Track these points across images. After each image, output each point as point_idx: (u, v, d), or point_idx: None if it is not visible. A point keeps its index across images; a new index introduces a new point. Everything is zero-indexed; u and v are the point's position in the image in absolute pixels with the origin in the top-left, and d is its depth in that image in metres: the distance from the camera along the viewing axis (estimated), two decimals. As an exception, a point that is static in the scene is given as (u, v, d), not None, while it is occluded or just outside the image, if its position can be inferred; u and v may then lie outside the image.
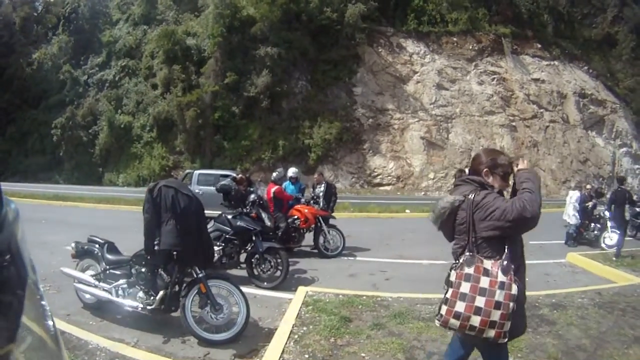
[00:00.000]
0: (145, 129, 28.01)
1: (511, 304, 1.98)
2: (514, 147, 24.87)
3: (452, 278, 2.12)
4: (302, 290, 4.89)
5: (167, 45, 26.15)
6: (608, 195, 9.94)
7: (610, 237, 9.11)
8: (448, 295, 2.11)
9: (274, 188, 7.21)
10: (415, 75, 25.06)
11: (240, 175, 7.22)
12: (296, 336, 3.61)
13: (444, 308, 2.11)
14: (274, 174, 7.62)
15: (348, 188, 22.57)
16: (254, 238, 5.44)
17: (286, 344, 3.45)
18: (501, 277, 2.00)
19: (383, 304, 4.47)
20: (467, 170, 2.37)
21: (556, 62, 28.96)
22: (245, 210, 5.80)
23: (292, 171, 8.27)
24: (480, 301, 1.99)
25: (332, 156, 23.36)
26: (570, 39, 31.26)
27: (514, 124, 25.59)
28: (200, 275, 3.67)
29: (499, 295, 1.98)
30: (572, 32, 32.07)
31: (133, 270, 3.96)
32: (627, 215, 7.72)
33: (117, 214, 13.42)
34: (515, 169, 2.26)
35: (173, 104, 25.00)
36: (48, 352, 0.62)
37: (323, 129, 23.15)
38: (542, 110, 26.73)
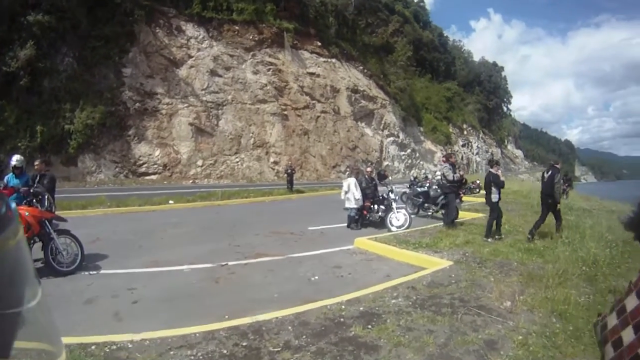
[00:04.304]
0: None
1: None
2: (285, 135, 27.58)
3: None
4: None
5: None
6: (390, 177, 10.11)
7: (397, 218, 8.93)
8: None
9: None
10: (190, 59, 25.27)
11: None
12: None
13: None
14: None
15: (111, 179, 21.43)
16: None
17: None
18: None
19: (121, 357, 3.03)
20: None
21: (334, 60, 32.98)
22: None
23: (15, 159, 6.72)
24: None
25: (95, 144, 21.64)
26: (350, 41, 35.93)
27: (285, 112, 28.18)
28: None
29: None
30: (354, 36, 36.91)
31: None
32: (495, 197, 7.53)
33: None
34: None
35: None
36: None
37: (86, 113, 21.35)
38: (314, 101, 30.18)
